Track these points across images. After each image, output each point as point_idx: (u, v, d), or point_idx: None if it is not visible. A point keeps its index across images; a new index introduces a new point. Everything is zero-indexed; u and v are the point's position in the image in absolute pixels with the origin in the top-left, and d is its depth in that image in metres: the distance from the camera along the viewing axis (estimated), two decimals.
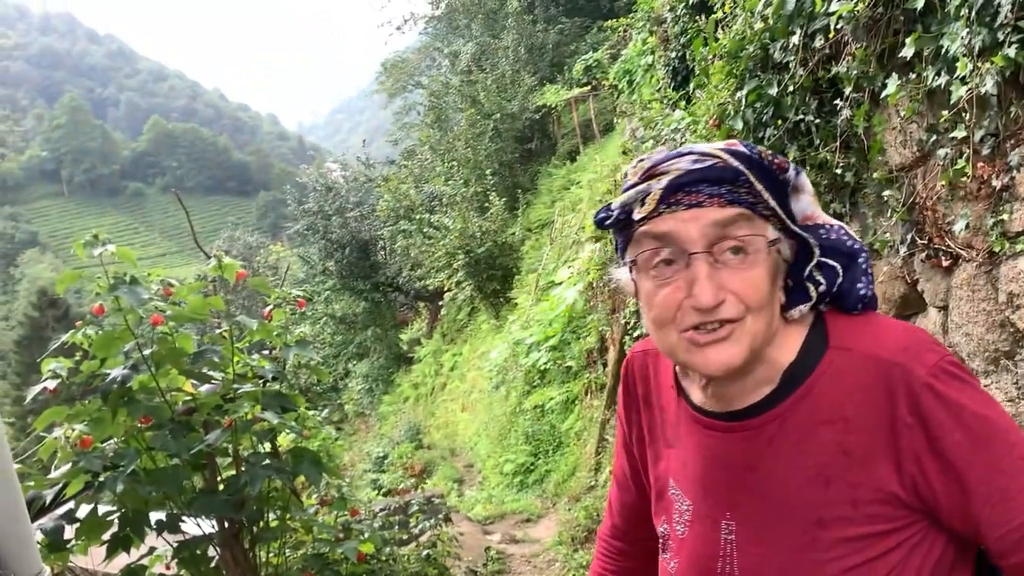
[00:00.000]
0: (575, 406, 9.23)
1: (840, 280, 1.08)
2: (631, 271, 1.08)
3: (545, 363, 10.14)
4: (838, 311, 1.10)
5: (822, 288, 1.08)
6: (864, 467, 1.00)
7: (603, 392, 7.88)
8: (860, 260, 1.09)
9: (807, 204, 1.09)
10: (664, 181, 1.02)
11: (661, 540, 1.25)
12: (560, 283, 11.29)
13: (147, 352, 2.60)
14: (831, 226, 1.11)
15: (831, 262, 1.08)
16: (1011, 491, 0.97)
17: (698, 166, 1.01)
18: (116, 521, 2.47)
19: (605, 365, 8.36)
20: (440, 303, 20.42)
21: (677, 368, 1.21)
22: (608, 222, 1.09)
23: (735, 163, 1.01)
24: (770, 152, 1.05)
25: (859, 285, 1.08)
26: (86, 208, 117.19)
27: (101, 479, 2.47)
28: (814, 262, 1.08)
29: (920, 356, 1.00)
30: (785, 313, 1.09)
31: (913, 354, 1.00)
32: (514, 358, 11.52)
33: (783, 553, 1.05)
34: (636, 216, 1.04)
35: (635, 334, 6.91)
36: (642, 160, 1.09)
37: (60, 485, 2.52)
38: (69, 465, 2.49)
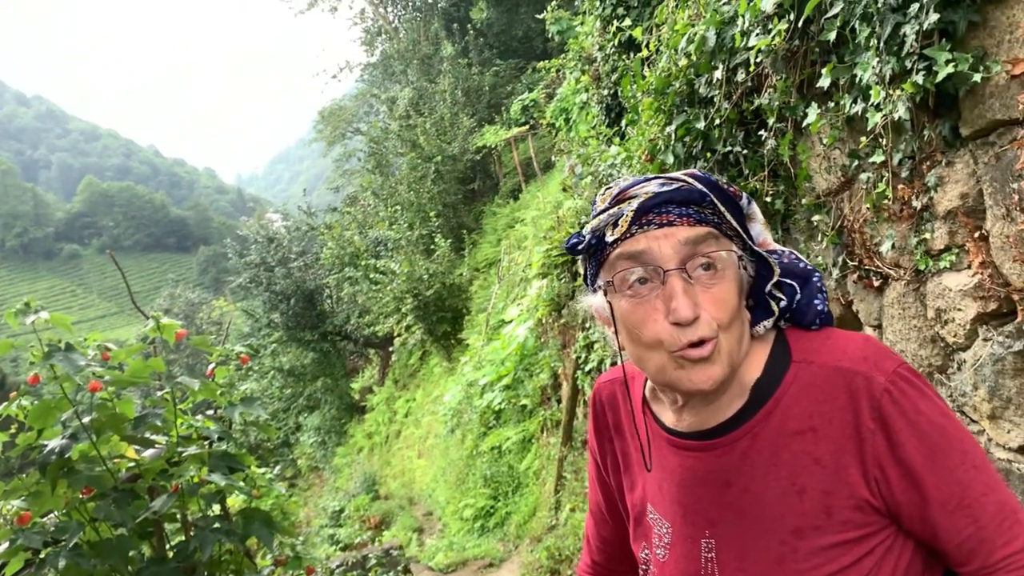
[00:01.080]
0: (532, 445, 9.20)
1: (798, 297, 1.13)
2: (606, 294, 1.11)
3: (500, 403, 10.11)
4: (797, 327, 1.14)
5: (783, 304, 1.13)
6: (835, 475, 1.03)
7: (559, 429, 7.87)
8: (815, 279, 1.14)
9: (759, 231, 1.15)
10: (635, 203, 1.07)
11: (643, 566, 1.26)
12: (510, 321, 11.30)
13: (86, 420, 2.53)
14: (782, 251, 1.16)
15: (789, 281, 1.13)
16: (965, 500, 1.01)
17: (665, 188, 1.07)
18: None
19: (559, 401, 8.36)
20: (391, 349, 20.26)
21: (647, 392, 1.24)
22: (580, 247, 1.13)
23: (699, 186, 1.07)
24: (725, 180, 1.12)
25: (816, 301, 1.13)
26: (19, 274, 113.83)
27: (42, 556, 2.38)
28: (774, 279, 1.12)
29: (879, 364, 1.04)
30: (751, 330, 1.13)
31: (872, 362, 1.04)
32: (468, 400, 11.45)
33: (762, 565, 1.07)
34: (609, 238, 1.09)
35: (587, 368, 6.94)
36: (609, 187, 1.15)
37: None
38: (7, 543, 2.40)
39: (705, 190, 1.07)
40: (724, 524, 1.11)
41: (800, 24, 2.52)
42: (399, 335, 17.41)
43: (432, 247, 17.09)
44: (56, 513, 2.56)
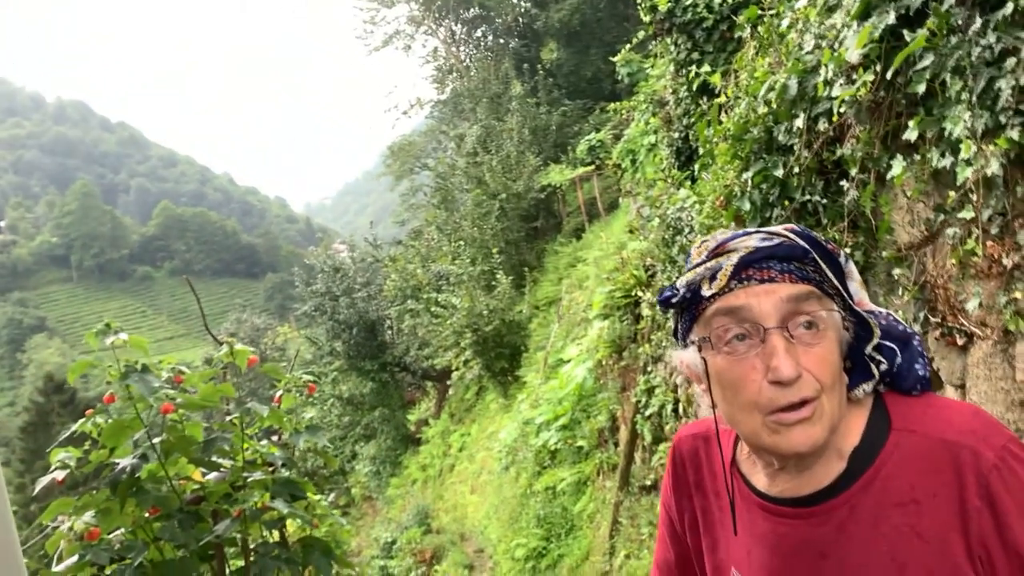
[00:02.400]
0: (587, 487, 9.07)
1: (899, 360, 1.08)
2: (700, 349, 1.08)
3: (555, 443, 10.01)
4: (895, 392, 1.10)
5: (884, 367, 1.08)
6: (939, 552, 0.99)
7: (615, 473, 7.76)
8: (915, 343, 1.10)
9: (856, 290, 1.11)
10: (735, 257, 1.04)
11: None
12: (569, 361, 11.24)
13: (156, 440, 2.58)
14: (880, 312, 1.12)
15: (888, 343, 1.09)
16: None
17: (767, 244, 1.04)
18: None
19: (616, 445, 8.25)
20: (448, 382, 20.31)
21: (738, 452, 1.20)
22: (674, 300, 1.11)
23: (801, 242, 1.04)
24: (824, 238, 1.08)
25: (917, 366, 1.09)
26: (94, 293, 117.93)
27: (108, 572, 2.42)
28: (875, 341, 1.08)
29: (988, 438, 0.99)
30: (849, 393, 1.08)
31: (981, 436, 0.99)
32: (524, 438, 11.39)
33: None
34: (706, 292, 1.06)
35: (646, 413, 6.84)
36: (706, 240, 1.12)
37: None
38: (75, 558, 2.44)
39: (807, 246, 1.04)
40: None
41: (887, 75, 2.47)
42: (457, 369, 17.45)
43: (493, 283, 17.16)
44: (122, 531, 2.61)
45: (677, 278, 1.13)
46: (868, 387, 1.09)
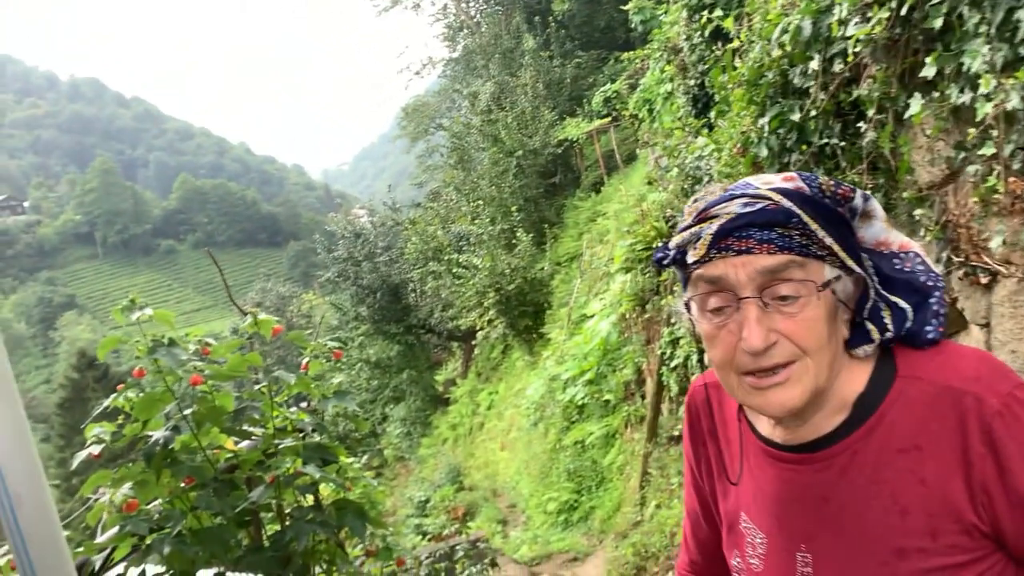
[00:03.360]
0: (615, 440, 9.15)
1: (908, 324, 1.06)
2: (689, 310, 1.10)
3: (582, 398, 10.08)
4: (905, 346, 1.08)
5: (889, 334, 1.07)
6: (941, 497, 0.99)
7: (643, 424, 7.81)
8: (932, 300, 1.07)
9: (880, 230, 1.08)
10: (714, 226, 1.03)
11: (735, 574, 1.24)
12: (592, 316, 11.26)
13: (188, 412, 2.63)
14: (906, 253, 1.09)
15: (901, 303, 1.07)
16: None
17: (747, 210, 1.02)
18: None
19: (643, 397, 8.30)
20: (473, 342, 20.43)
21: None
22: (665, 262, 1.12)
23: (787, 204, 1.01)
24: (833, 182, 1.05)
25: (927, 328, 1.07)
26: (120, 268, 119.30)
27: (148, 542, 2.48)
28: (870, 304, 1.07)
29: (993, 385, 0.99)
30: (850, 350, 1.08)
31: (986, 383, 0.99)
32: (551, 394, 11.47)
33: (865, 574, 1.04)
34: (689, 259, 1.06)
35: (672, 364, 6.85)
36: (696, 200, 1.11)
37: (108, 550, 2.53)
38: (116, 529, 2.51)
39: (794, 208, 1.01)
40: (821, 540, 1.08)
41: (902, 12, 2.41)
42: (481, 329, 17.53)
43: (514, 242, 17.14)
44: (160, 501, 2.67)
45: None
46: (869, 349, 1.08)
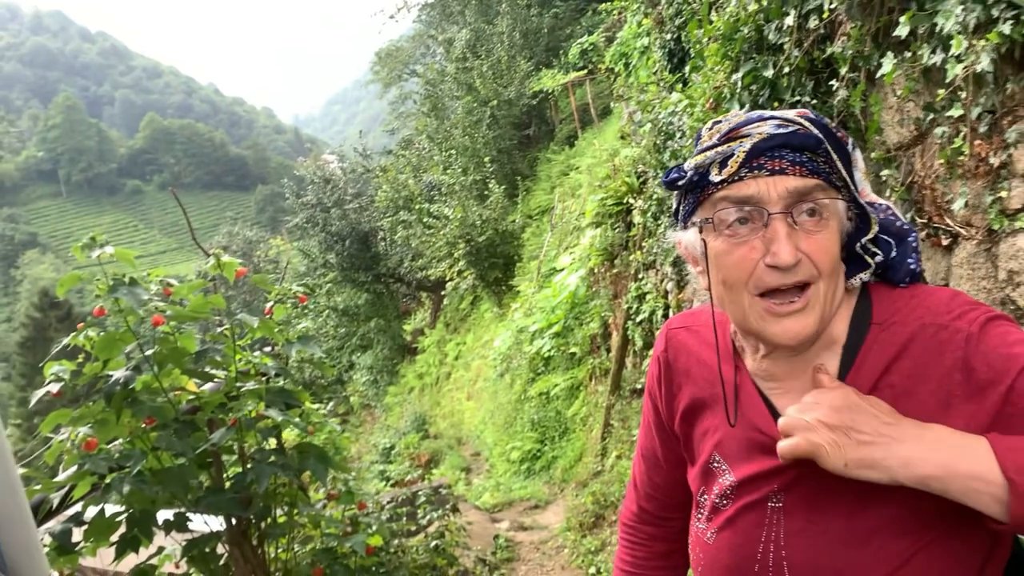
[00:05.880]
0: (580, 392, 9.25)
1: (893, 254, 1.09)
2: (701, 231, 1.08)
3: (549, 350, 10.16)
4: (883, 283, 1.11)
5: (879, 259, 1.09)
6: None
7: (607, 377, 7.90)
8: (910, 239, 1.10)
9: (860, 179, 1.11)
10: (747, 144, 1.03)
11: (700, 511, 1.24)
12: (562, 270, 11.29)
13: (149, 352, 2.60)
14: (879, 204, 1.12)
15: (885, 237, 1.10)
16: None
17: (781, 131, 1.02)
18: (124, 522, 2.47)
19: (608, 351, 8.37)
20: (442, 293, 20.43)
21: (735, 337, 1.20)
22: (680, 182, 1.10)
23: (815, 131, 1.03)
24: (834, 125, 1.07)
25: (909, 260, 1.10)
26: (84, 208, 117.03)
27: (107, 481, 2.47)
28: (871, 234, 1.09)
29: (964, 315, 1.01)
30: (848, 279, 1.10)
31: (957, 314, 1.01)
32: (518, 346, 11.54)
33: (834, 520, 1.05)
34: (715, 178, 1.05)
35: (637, 319, 6.91)
36: (719, 122, 1.10)
37: (67, 488, 2.52)
38: (75, 468, 2.50)
39: (821, 136, 1.03)
40: (797, 482, 1.08)
41: None
42: (451, 279, 17.52)
43: (485, 193, 17.05)
44: (121, 441, 2.66)
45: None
46: (865, 276, 1.10)
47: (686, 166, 1.09)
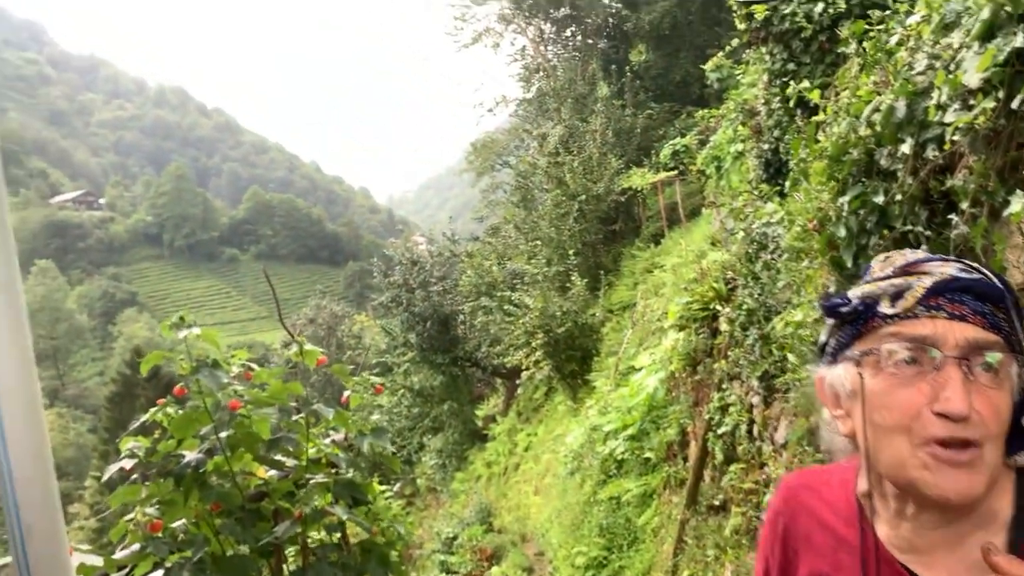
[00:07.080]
0: (652, 500, 8.90)
1: None
2: (857, 364, 0.99)
3: (623, 452, 9.86)
4: None
5: None
6: None
7: (682, 488, 7.58)
8: None
9: None
10: (927, 281, 0.95)
11: None
12: (640, 369, 11.07)
13: (223, 435, 2.59)
14: None
15: None
16: None
17: (965, 275, 0.95)
18: None
19: (685, 460, 8.07)
20: (517, 381, 20.29)
21: (863, 500, 1.07)
22: (843, 310, 1.02)
23: (999, 284, 0.95)
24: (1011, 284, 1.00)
25: None
26: (183, 271, 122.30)
27: (168, 565, 2.43)
28: None
29: None
30: (1007, 458, 0.98)
31: None
32: (590, 444, 11.25)
33: None
34: (886, 310, 0.97)
35: (719, 431, 6.65)
36: (891, 256, 1.04)
37: (128, 568, 2.50)
38: (137, 547, 2.47)
39: (1005, 291, 0.95)
40: None
41: (1010, 103, 2.27)
42: (527, 368, 17.40)
43: (568, 285, 17.04)
44: (184, 521, 2.63)
45: (842, 296, 1.02)
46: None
47: (851, 294, 1.00)
